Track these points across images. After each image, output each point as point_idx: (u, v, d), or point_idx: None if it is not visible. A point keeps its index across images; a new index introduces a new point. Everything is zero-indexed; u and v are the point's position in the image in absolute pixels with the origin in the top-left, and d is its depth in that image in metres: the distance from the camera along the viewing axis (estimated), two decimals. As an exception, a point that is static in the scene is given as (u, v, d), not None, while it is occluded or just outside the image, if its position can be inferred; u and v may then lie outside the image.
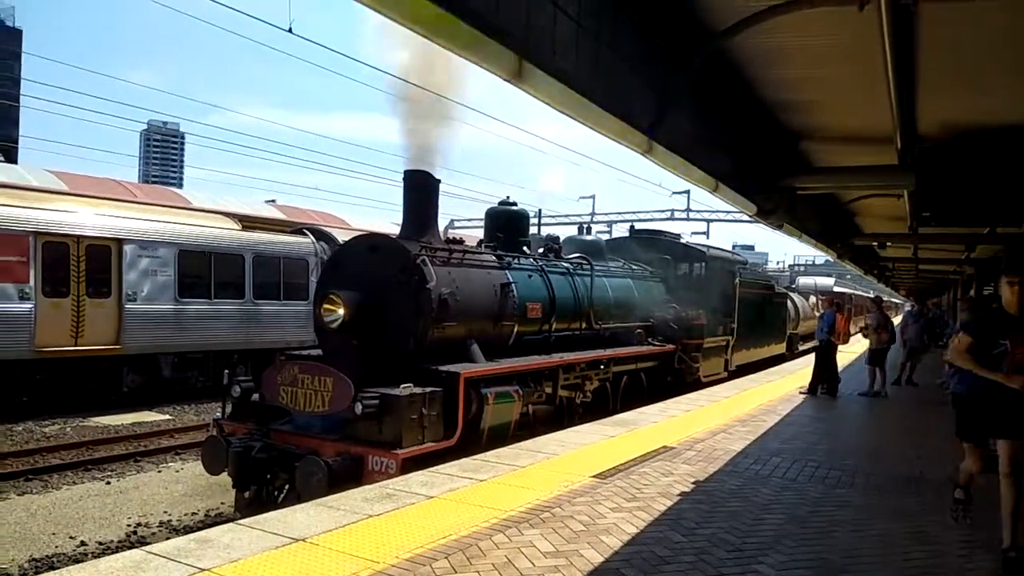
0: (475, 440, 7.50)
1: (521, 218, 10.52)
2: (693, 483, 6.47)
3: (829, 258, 27.44)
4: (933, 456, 8.19)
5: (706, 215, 33.63)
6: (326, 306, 7.50)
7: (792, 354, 23.46)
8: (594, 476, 6.49)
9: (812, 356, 14.43)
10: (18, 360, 13.47)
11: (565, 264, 10.61)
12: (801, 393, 12.96)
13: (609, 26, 5.65)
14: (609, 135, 6.02)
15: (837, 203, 14.28)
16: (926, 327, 14.46)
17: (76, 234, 14.36)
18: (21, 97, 73.40)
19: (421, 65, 7.25)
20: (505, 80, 4.38)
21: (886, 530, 5.45)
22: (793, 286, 34.37)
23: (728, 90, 7.63)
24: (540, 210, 10.25)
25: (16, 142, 67.96)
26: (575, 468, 6.73)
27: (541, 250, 10.52)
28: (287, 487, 7.18)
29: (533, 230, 10.94)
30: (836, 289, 41.00)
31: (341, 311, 7.39)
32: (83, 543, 7.51)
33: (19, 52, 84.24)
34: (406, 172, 8.26)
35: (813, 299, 30.41)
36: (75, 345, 14.24)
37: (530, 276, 9.51)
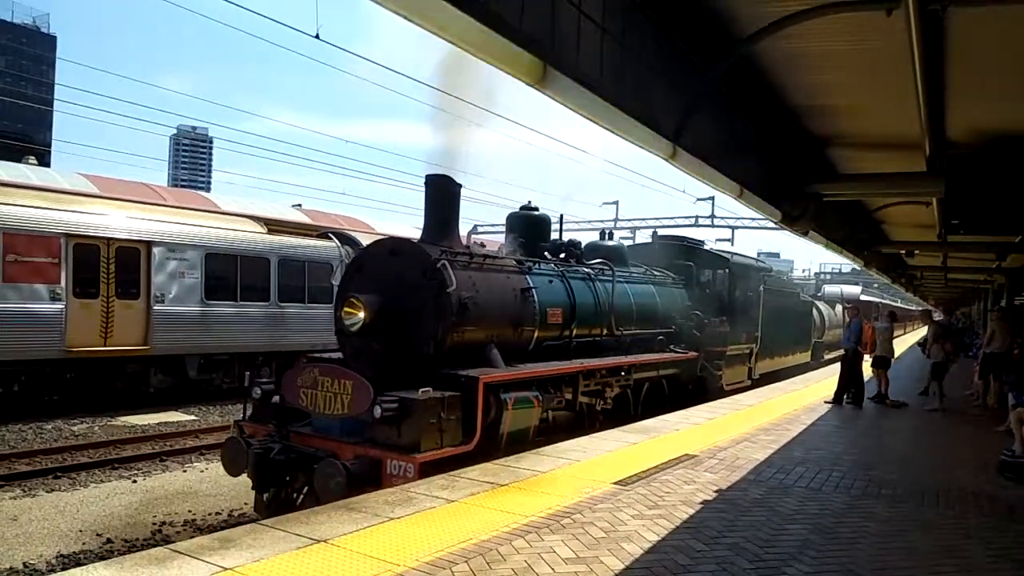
0: (494, 445, 7.48)
1: (542, 223, 10.48)
2: (715, 491, 6.42)
3: (856, 266, 27.12)
4: (962, 467, 8.05)
5: (731, 221, 33.45)
6: (347, 309, 7.52)
7: (818, 363, 23.20)
8: (615, 483, 6.46)
9: (838, 365, 14.28)
10: (49, 359, 13.72)
11: (586, 269, 10.54)
12: (826, 403, 12.80)
13: (634, 32, 5.64)
14: (633, 140, 6.01)
15: (864, 210, 14.11)
16: (949, 339, 14.19)
17: (106, 236, 14.61)
18: (55, 102, 74.69)
19: (446, 70, 7.30)
20: (529, 85, 4.39)
21: (914, 542, 5.37)
22: (819, 294, 33.98)
23: (753, 95, 7.58)
24: (562, 215, 10.29)
25: (49, 146, 69.30)
26: (596, 474, 6.71)
27: (562, 255, 10.47)
28: (306, 489, 7.21)
29: (555, 235, 10.84)
30: (863, 298, 40.47)
31: (362, 314, 7.40)
32: (109, 540, 7.62)
33: (53, 58, 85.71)
34: (428, 176, 8.31)
35: (839, 308, 30.05)
36: (104, 345, 14.48)
37: (551, 281, 9.47)
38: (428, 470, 6.49)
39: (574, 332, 9.70)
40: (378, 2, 3.50)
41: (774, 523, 5.56)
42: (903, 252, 19.77)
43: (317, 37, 9.06)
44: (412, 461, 6.47)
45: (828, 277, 64.65)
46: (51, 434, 12.53)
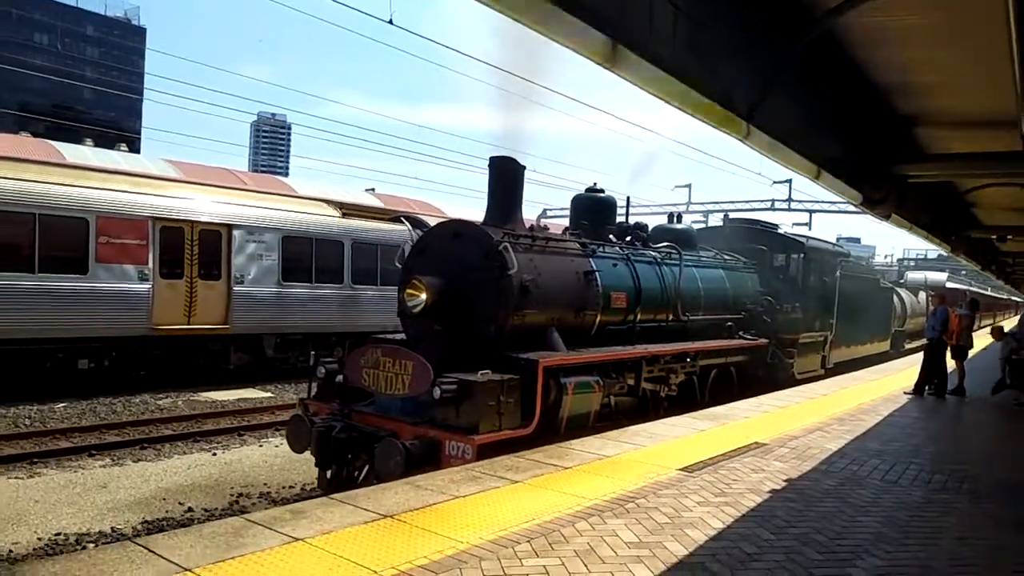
0: (553, 430, 7.45)
1: (607, 205, 10.32)
2: (785, 481, 6.27)
3: (942, 252, 25.89)
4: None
5: (809, 205, 32.33)
6: (409, 291, 7.57)
7: (898, 352, 22.31)
8: (681, 469, 6.39)
9: (919, 355, 13.71)
10: (137, 336, 14.45)
11: (652, 253, 10.35)
12: (906, 394, 12.32)
13: (708, 7, 5.47)
14: (706, 120, 5.84)
15: (953, 193, 13.40)
16: None
17: (190, 219, 15.24)
18: (144, 91, 78.04)
19: (515, 51, 7.24)
20: (598, 64, 4.32)
21: (996, 540, 5.14)
22: (901, 281, 32.61)
23: (833, 73, 7.24)
24: (628, 197, 10.10)
25: (139, 133, 72.55)
26: (662, 460, 6.64)
27: (628, 238, 10.30)
28: (367, 467, 7.35)
29: (621, 218, 10.66)
30: (949, 285, 38.63)
31: (423, 296, 7.44)
32: (190, 509, 8.00)
33: (143, 49, 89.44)
34: (491, 159, 8.27)
35: (923, 295, 28.76)
36: (188, 324, 15.16)
37: (615, 264, 9.33)
38: (486, 452, 6.51)
39: (638, 317, 9.55)
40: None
41: (846, 515, 5.40)
42: (994, 237, 18.77)
43: (391, 23, 9.17)
44: (470, 443, 6.51)
45: (912, 263, 62.03)
46: (138, 407, 13.21)
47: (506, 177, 8.35)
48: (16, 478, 8.84)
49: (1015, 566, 4.63)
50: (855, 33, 6.40)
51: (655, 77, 4.86)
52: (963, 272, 56.62)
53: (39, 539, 6.96)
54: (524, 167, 8.36)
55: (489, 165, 8.29)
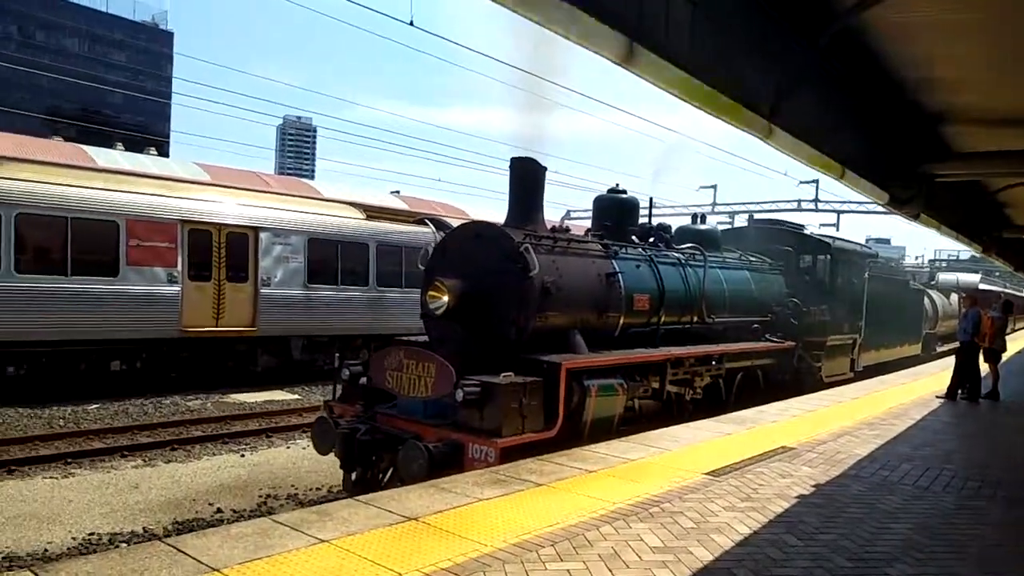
0: (577, 432, 7.42)
1: (630, 206, 10.24)
2: (813, 486, 6.20)
3: (975, 253, 25.43)
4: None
5: (836, 206, 31.90)
6: (431, 293, 7.59)
7: (929, 356, 21.95)
8: (707, 473, 6.35)
9: (951, 358, 13.49)
10: (167, 339, 14.67)
11: (676, 254, 10.27)
12: (938, 398, 12.11)
13: (727, 4, 5.40)
14: (726, 119, 5.78)
15: (983, 192, 13.12)
16: None
17: (218, 222, 15.45)
18: (172, 95, 79.23)
19: (535, 52, 7.24)
20: (615, 64, 4.29)
21: (1030, 549, 5.04)
22: (932, 283, 32.06)
23: (857, 70, 7.10)
24: (651, 199, 10.03)
25: (168, 137, 73.64)
26: (687, 464, 6.61)
27: (651, 240, 10.23)
28: (391, 469, 7.38)
29: (644, 219, 10.59)
30: (981, 287, 37.93)
31: (445, 298, 7.45)
32: (219, 510, 8.11)
33: (171, 53, 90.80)
34: (512, 160, 8.26)
35: (955, 297, 28.27)
36: (216, 326, 15.35)
37: (638, 266, 9.29)
38: (510, 455, 6.51)
39: (662, 319, 9.49)
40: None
41: (876, 521, 5.33)
42: (1026, 237, 18.39)
43: (412, 24, 9.23)
44: (493, 445, 6.51)
45: (944, 264, 61.01)
46: (169, 408, 13.41)
47: (527, 178, 8.34)
48: (51, 478, 9.02)
49: (1049, 575, 4.54)
50: (879, 29, 6.27)
51: (673, 76, 4.79)
52: (997, 274, 55.55)
53: (73, 538, 7.10)
54: (545, 168, 8.34)
55: (510, 166, 8.29)
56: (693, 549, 4.53)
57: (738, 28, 5.62)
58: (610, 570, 4.14)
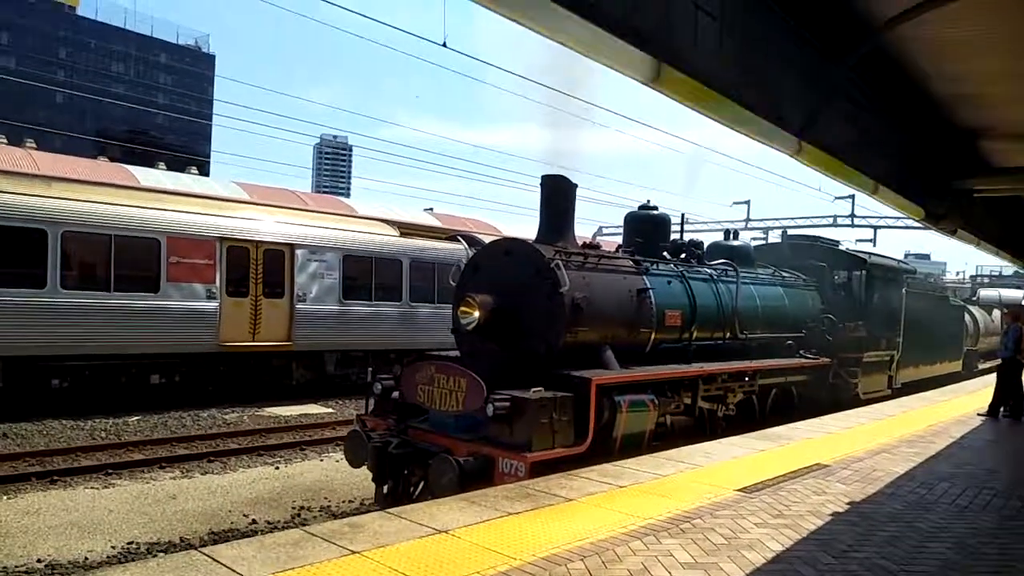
0: (607, 448, 7.40)
1: (661, 222, 10.24)
2: (848, 504, 6.11)
3: (1019, 269, 24.82)
4: None
5: (873, 221, 31.41)
6: (462, 308, 7.65)
7: (970, 373, 21.43)
8: (739, 490, 6.29)
9: (993, 376, 13.16)
10: (205, 353, 14.97)
11: (708, 270, 10.23)
12: (979, 415, 11.83)
13: (756, 23, 5.40)
14: (755, 137, 5.79)
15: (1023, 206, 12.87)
16: None
17: (255, 239, 15.77)
18: (213, 116, 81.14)
19: (566, 70, 7.33)
20: (643, 84, 4.34)
21: (1073, 570, 4.90)
22: (974, 298, 31.32)
23: (890, 86, 7.05)
24: (683, 215, 10.03)
25: (209, 156, 75.30)
26: (719, 480, 6.55)
27: (683, 256, 10.20)
28: (422, 483, 7.41)
29: (675, 235, 10.58)
30: (1026, 302, 36.93)
31: (476, 313, 7.51)
32: (254, 521, 8.23)
33: (212, 76, 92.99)
34: (543, 177, 8.34)
35: (997, 313, 27.57)
36: (253, 341, 15.63)
37: (669, 282, 9.26)
38: (540, 470, 6.52)
39: (694, 335, 9.45)
40: (487, 7, 3.61)
41: (913, 540, 5.23)
42: (1071, 252, 17.89)
43: (444, 45, 9.38)
44: (523, 460, 6.52)
45: (986, 280, 59.47)
46: (206, 421, 13.66)
47: (557, 195, 8.40)
48: (92, 488, 9.25)
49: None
50: (911, 46, 6.23)
51: (701, 95, 4.81)
52: (1041, 288, 54.02)
53: (113, 547, 7.26)
54: (576, 185, 8.41)
55: (541, 183, 8.37)
56: (724, 565, 4.50)
57: (767, 47, 5.62)
58: (639, 585, 4.13)
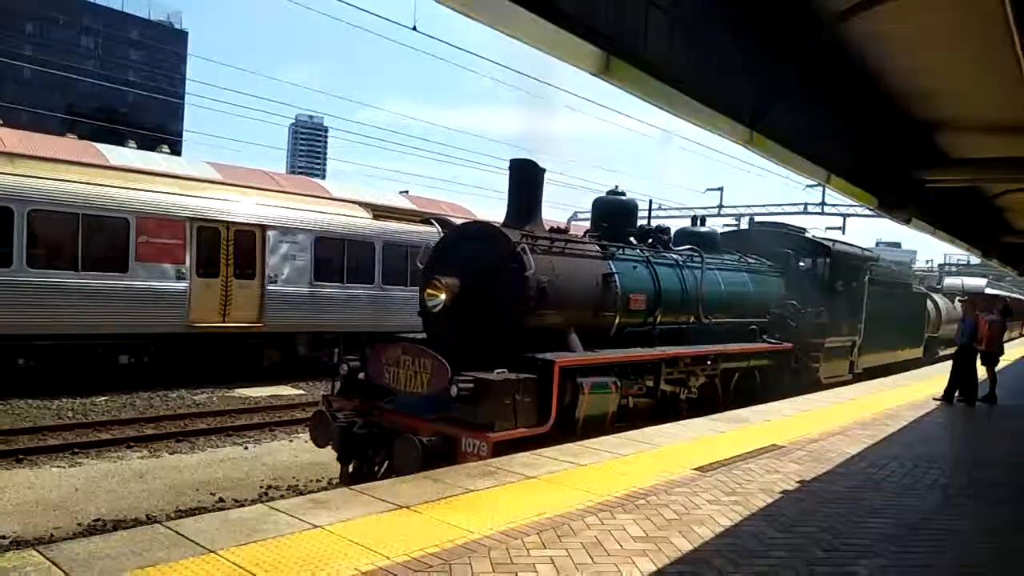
0: (570, 429, 7.56)
1: (628, 208, 10.35)
2: (798, 482, 6.33)
3: (977, 258, 25.37)
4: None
5: (842, 209, 31.87)
6: (429, 291, 7.75)
7: (931, 359, 21.96)
8: (695, 469, 6.48)
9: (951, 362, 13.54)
10: (175, 334, 14.91)
11: (674, 256, 10.39)
12: (935, 400, 12.19)
13: (707, 16, 5.46)
14: (707, 127, 5.92)
15: (981, 197, 13.17)
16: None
17: (226, 220, 15.68)
18: (186, 95, 79.69)
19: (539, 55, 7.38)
20: (592, 75, 4.43)
21: (1009, 545, 5.15)
22: (938, 286, 32.00)
23: (844, 79, 7.19)
24: (651, 200, 10.19)
25: (181, 136, 74.11)
26: (677, 460, 6.74)
27: (649, 241, 10.35)
28: (387, 463, 7.53)
29: (643, 221, 10.70)
30: (988, 291, 37.77)
31: (443, 296, 7.61)
32: (221, 500, 8.31)
33: (185, 53, 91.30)
34: (512, 161, 8.46)
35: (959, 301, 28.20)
36: (223, 322, 15.59)
37: (635, 267, 9.40)
38: (503, 450, 6.66)
39: (659, 319, 9.62)
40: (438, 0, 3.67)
41: (857, 516, 5.45)
42: (1025, 243, 18.40)
43: (415, 29, 9.41)
44: (485, 439, 6.67)
45: (953, 269, 60.62)
46: (175, 402, 13.65)
47: (526, 179, 8.50)
48: (58, 467, 9.25)
49: (1021, 573, 4.65)
50: (864, 39, 6.35)
51: (651, 86, 4.90)
52: (1008, 278, 55.17)
53: (79, 524, 7.31)
54: (544, 169, 8.51)
55: (509, 168, 8.46)
56: (674, 539, 4.67)
57: (719, 39, 5.71)
58: (591, 557, 4.29)
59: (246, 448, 10.72)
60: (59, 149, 18.44)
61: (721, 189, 34.26)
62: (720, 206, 33.86)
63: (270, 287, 16.26)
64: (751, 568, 4.28)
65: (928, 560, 4.65)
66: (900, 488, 6.40)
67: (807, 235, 15.04)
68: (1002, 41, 5.61)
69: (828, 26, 5.97)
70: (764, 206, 33.68)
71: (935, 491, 6.41)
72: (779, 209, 32.93)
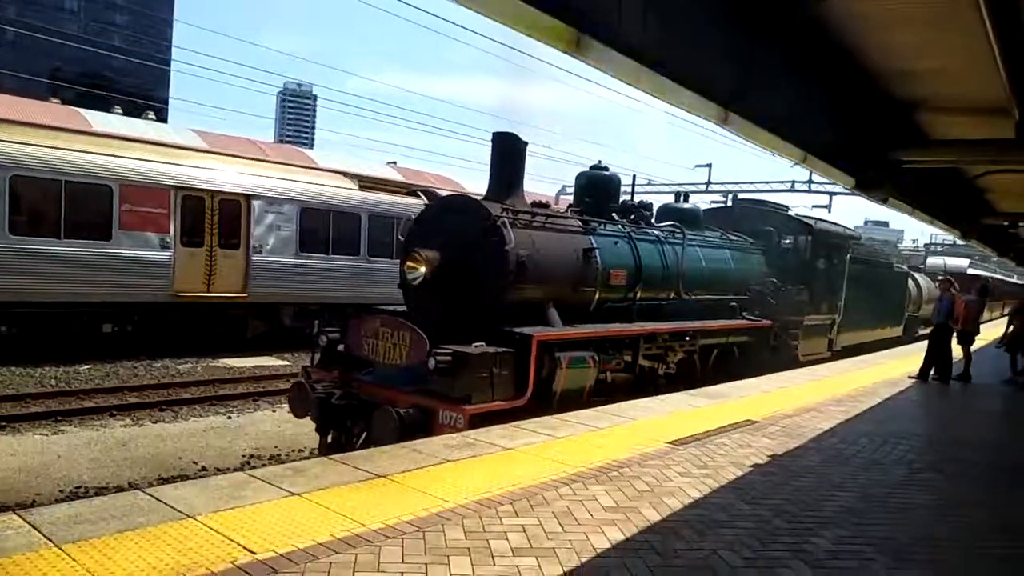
0: (548, 403, 7.65)
1: (610, 183, 10.38)
2: (769, 456, 6.47)
3: (957, 239, 25.56)
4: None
5: (829, 187, 31.92)
6: (409, 263, 7.76)
7: (911, 338, 22.25)
8: (669, 442, 6.61)
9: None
10: (159, 303, 14.89)
11: (655, 232, 10.46)
12: (910, 378, 12.42)
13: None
14: (681, 106, 5.94)
15: (961, 178, 13.26)
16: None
17: (211, 189, 15.59)
18: (172, 62, 78.59)
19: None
20: (564, 52, 4.41)
21: (968, 517, 5.31)
22: (922, 266, 32.29)
23: (822, 57, 7.18)
24: (634, 175, 10.20)
25: (167, 102, 73.14)
26: (652, 434, 6.87)
27: (631, 217, 10.40)
28: (365, 434, 7.61)
29: (627, 196, 10.74)
30: (970, 271, 38.16)
31: (423, 269, 7.63)
32: (203, 468, 8.40)
33: (171, 18, 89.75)
34: (494, 134, 8.47)
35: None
36: (207, 292, 15.57)
37: (616, 243, 9.46)
38: (478, 421, 6.77)
39: (639, 295, 9.69)
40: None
41: (823, 489, 5.59)
42: (1006, 224, 18.54)
43: (401, -1, 9.31)
44: (462, 412, 6.77)
45: (939, 248, 61.05)
46: (159, 371, 13.68)
47: (508, 153, 8.51)
48: (41, 434, 9.30)
49: (981, 545, 4.80)
50: (844, 18, 6.35)
51: (623, 64, 4.86)
52: (993, 259, 55.66)
53: (60, 491, 7.39)
54: (526, 143, 8.52)
55: (492, 141, 8.46)
56: (644, 510, 4.80)
57: (694, 17, 5.67)
58: (561, 526, 4.40)
59: (229, 418, 10.79)
60: (42, 114, 18.24)
61: (709, 166, 34.26)
62: (708, 183, 33.87)
63: (255, 257, 16.23)
64: (717, 538, 4.41)
65: (890, 533, 4.79)
66: (868, 463, 6.56)
67: (789, 213, 15.14)
68: (977, 25, 5.65)
69: (807, 4, 5.97)
70: (752, 183, 33.66)
71: (902, 466, 6.58)
72: (767, 187, 32.96)
